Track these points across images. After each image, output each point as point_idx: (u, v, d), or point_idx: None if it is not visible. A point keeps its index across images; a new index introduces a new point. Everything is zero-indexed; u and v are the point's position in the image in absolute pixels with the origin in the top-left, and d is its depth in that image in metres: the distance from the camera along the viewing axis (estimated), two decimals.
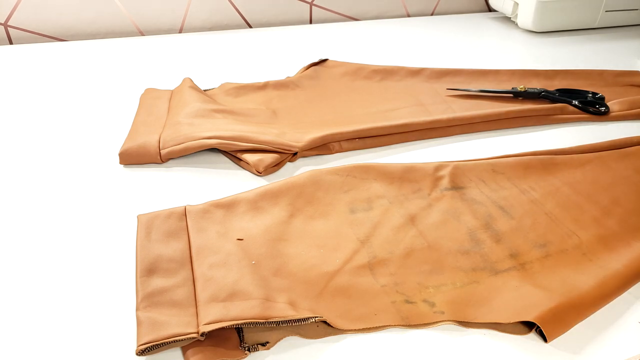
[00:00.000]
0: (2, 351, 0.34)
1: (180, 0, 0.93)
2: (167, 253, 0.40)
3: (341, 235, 0.44)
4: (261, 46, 0.88)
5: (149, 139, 0.55)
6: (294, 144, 0.55)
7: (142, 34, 0.94)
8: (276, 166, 0.53)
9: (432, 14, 1.11)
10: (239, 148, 0.53)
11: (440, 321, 0.37)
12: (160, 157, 0.54)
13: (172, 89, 0.68)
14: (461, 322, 0.37)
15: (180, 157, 0.55)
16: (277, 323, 0.35)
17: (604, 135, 0.62)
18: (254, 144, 0.53)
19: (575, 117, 0.66)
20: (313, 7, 1.01)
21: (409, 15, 1.09)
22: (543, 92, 0.68)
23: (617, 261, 0.42)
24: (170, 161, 0.55)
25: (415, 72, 0.76)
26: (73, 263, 0.41)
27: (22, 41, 0.88)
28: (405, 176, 0.51)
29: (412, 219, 0.46)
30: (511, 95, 0.70)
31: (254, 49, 0.87)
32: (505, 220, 0.47)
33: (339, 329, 0.36)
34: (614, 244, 0.44)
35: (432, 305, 0.38)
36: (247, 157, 0.53)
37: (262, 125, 0.59)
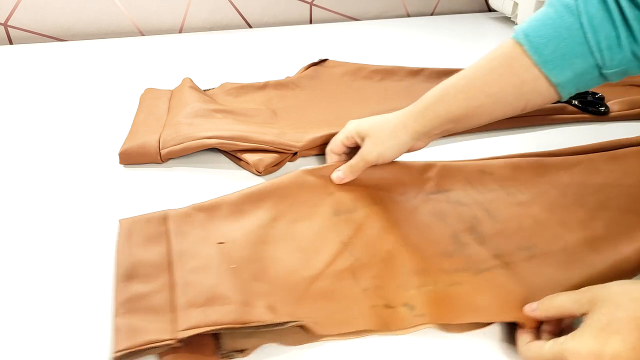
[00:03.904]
0: None
1: (180, 0, 0.93)
2: (146, 258, 0.40)
3: (324, 238, 0.43)
4: (261, 46, 0.88)
5: (148, 139, 0.55)
6: (294, 143, 0.55)
7: (142, 34, 0.94)
8: (276, 166, 0.53)
9: (432, 14, 1.11)
10: (239, 148, 0.53)
11: (420, 324, 0.36)
12: (160, 157, 0.54)
13: (172, 89, 0.68)
14: (442, 324, 0.37)
15: (180, 157, 0.55)
16: (255, 328, 0.34)
17: (604, 135, 0.62)
18: (254, 144, 0.53)
19: (575, 117, 0.66)
20: (313, 7, 1.01)
21: (409, 15, 1.09)
22: None
23: (603, 262, 0.42)
24: (170, 161, 0.55)
25: (415, 72, 0.76)
26: (72, 263, 0.41)
27: (22, 41, 0.88)
28: (391, 177, 0.50)
29: (396, 221, 0.46)
30: None
31: (254, 49, 0.87)
32: (491, 224, 0.46)
33: (318, 334, 0.35)
34: (601, 247, 0.44)
35: (412, 308, 0.37)
36: (247, 157, 0.53)
37: (262, 125, 0.59)
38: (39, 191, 0.50)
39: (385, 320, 0.37)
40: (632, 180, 0.52)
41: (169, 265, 0.39)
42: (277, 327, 0.34)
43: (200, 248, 0.41)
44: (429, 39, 0.94)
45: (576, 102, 0.67)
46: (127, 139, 0.56)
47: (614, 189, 0.51)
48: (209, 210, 0.45)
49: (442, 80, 0.74)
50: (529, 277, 0.40)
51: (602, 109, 0.66)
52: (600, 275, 0.40)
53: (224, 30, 0.96)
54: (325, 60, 0.76)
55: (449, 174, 0.51)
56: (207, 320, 0.34)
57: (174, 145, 0.54)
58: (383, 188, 0.50)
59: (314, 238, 0.43)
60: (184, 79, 0.68)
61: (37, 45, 0.85)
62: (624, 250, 0.43)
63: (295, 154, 0.55)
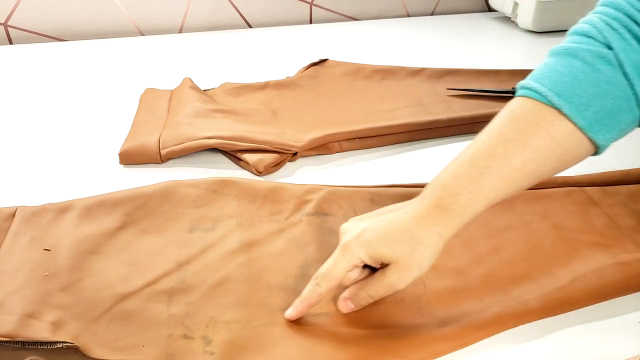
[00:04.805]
0: None
1: (180, 0, 0.93)
2: None
3: (162, 254, 0.41)
4: (261, 46, 0.88)
5: (148, 139, 0.55)
6: (294, 143, 0.55)
7: (142, 33, 0.94)
8: (276, 166, 0.53)
9: (432, 14, 1.11)
10: (239, 148, 0.53)
11: None
12: (160, 157, 0.54)
13: (172, 89, 0.68)
14: None
15: (180, 157, 0.55)
16: (24, 344, 0.33)
17: None
18: (254, 144, 0.53)
19: None
20: (313, 7, 1.01)
21: (409, 15, 1.09)
22: None
23: (450, 320, 0.37)
24: (170, 161, 0.55)
25: (416, 72, 0.75)
26: None
27: (21, 41, 0.88)
28: (269, 195, 0.48)
29: (249, 246, 0.43)
30: (511, 95, 0.70)
31: (254, 49, 0.87)
32: None
33: (94, 358, 0.33)
34: (461, 300, 0.38)
35: (208, 343, 0.35)
36: (247, 157, 0.53)
37: (262, 125, 0.59)
38: (39, 191, 0.50)
39: (173, 352, 0.34)
40: (545, 225, 0.45)
41: None
42: (47, 346, 0.33)
43: (26, 250, 0.40)
44: (429, 39, 0.94)
45: None
46: (127, 139, 0.56)
47: (518, 233, 0.45)
48: (59, 211, 0.45)
49: (442, 80, 0.75)
50: (354, 327, 0.36)
51: None
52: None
53: (224, 30, 0.96)
54: (325, 60, 0.76)
55: (335, 198, 0.48)
56: None
57: (174, 146, 0.54)
58: (257, 206, 0.47)
59: (151, 254, 0.42)
60: (184, 79, 0.68)
61: (36, 45, 0.85)
62: (487, 305, 0.38)
63: (295, 154, 0.55)
